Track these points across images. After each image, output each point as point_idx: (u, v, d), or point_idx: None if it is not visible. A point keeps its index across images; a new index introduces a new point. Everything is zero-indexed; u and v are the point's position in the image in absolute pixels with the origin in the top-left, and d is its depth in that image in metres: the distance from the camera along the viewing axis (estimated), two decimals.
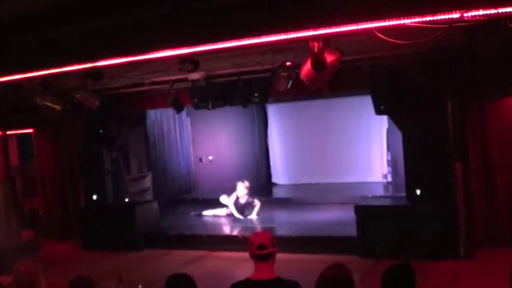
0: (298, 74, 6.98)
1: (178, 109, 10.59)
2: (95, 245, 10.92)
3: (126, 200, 12.08)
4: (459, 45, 6.61)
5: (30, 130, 12.72)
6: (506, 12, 4.65)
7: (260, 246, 3.59)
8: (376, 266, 7.97)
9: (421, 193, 8.83)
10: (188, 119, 15.16)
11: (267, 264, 3.60)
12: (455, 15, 4.70)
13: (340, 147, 14.21)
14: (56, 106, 8.71)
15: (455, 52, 7.77)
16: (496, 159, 8.90)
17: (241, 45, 5.60)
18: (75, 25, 5.93)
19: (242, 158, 14.99)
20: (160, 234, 11.03)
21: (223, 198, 11.82)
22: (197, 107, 10.35)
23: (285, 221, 11.40)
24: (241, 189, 11.41)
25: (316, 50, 5.84)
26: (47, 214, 12.56)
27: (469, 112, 8.93)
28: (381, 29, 5.18)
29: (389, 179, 13.27)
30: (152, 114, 13.53)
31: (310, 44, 5.81)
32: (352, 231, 9.08)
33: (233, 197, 11.43)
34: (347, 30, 5.08)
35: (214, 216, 11.96)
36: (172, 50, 5.80)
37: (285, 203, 13.02)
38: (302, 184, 14.79)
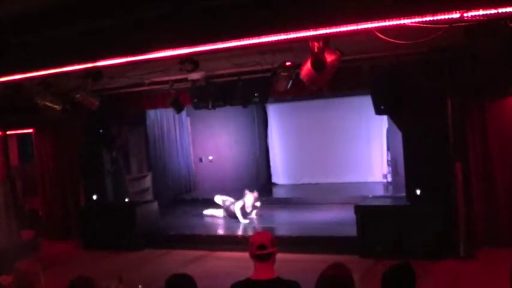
0: (298, 74, 6.98)
1: (178, 109, 10.59)
2: (95, 245, 10.92)
3: (126, 200, 12.08)
4: (459, 45, 6.61)
5: (30, 130, 12.72)
6: (506, 12, 4.65)
7: (260, 246, 3.59)
8: (376, 266, 7.98)
9: (421, 193, 8.83)
10: (188, 119, 15.17)
11: (267, 264, 3.60)
12: (455, 15, 4.70)
13: (340, 147, 14.20)
14: (56, 106, 8.71)
15: (455, 52, 7.77)
16: (496, 159, 8.91)
17: (241, 45, 5.60)
18: (75, 25, 5.93)
19: (242, 158, 15.00)
20: (160, 234, 11.03)
21: (217, 198, 11.82)
22: (197, 107, 10.34)
23: (285, 221, 11.40)
24: (250, 200, 11.38)
25: (316, 50, 5.84)
26: (47, 214, 12.57)
27: (469, 112, 8.93)
28: (381, 29, 5.19)
29: (389, 179, 13.27)
30: (152, 114, 13.54)
31: (310, 44, 5.81)
32: (352, 231, 9.08)
33: (240, 203, 11.37)
34: (347, 30, 5.08)
35: (213, 216, 11.94)
36: (172, 50, 5.80)
37: (285, 203, 13.01)
38: (302, 184, 14.79)
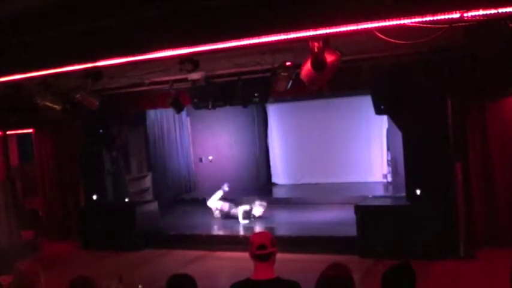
0: (298, 74, 6.98)
1: (178, 109, 10.59)
2: (95, 245, 10.92)
3: (126, 200, 12.08)
4: (459, 45, 6.62)
5: (30, 130, 12.72)
6: (506, 12, 4.65)
7: (260, 246, 3.58)
8: (376, 266, 7.98)
9: (421, 193, 8.83)
10: (188, 119, 15.17)
11: (267, 264, 3.60)
12: (455, 15, 4.69)
13: (340, 147, 14.20)
14: (56, 106, 8.71)
15: (455, 52, 7.77)
16: (496, 159, 8.90)
17: (241, 45, 5.60)
18: (75, 25, 5.93)
19: (242, 158, 15.00)
20: (160, 234, 11.03)
21: (212, 203, 11.82)
22: (197, 107, 10.34)
23: (285, 221, 11.40)
24: (258, 211, 11.38)
25: (316, 50, 5.84)
26: (47, 214, 12.57)
27: (469, 112, 8.93)
28: (381, 29, 5.18)
29: (389, 179, 13.28)
30: (152, 114, 13.54)
31: (310, 44, 5.81)
32: (352, 231, 9.08)
33: (246, 207, 11.38)
34: (347, 30, 5.08)
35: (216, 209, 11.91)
36: (172, 50, 5.80)
37: (285, 203, 13.02)
38: (302, 184, 14.79)
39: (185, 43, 5.75)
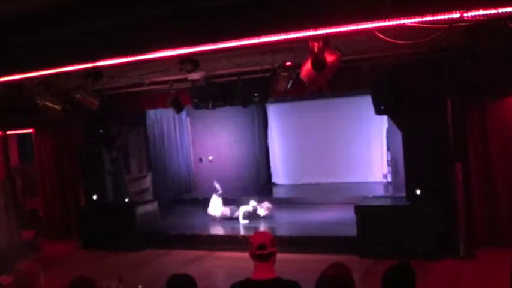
0: (298, 74, 6.98)
1: (178, 109, 10.59)
2: (95, 245, 10.92)
3: (126, 200, 12.08)
4: (459, 45, 6.61)
5: (30, 130, 12.72)
6: (506, 12, 4.65)
7: (260, 246, 3.58)
8: (376, 266, 7.98)
9: (421, 193, 8.84)
10: (188, 119, 15.17)
11: (267, 264, 3.60)
12: (455, 15, 4.70)
13: (340, 147, 14.21)
14: (56, 106, 8.71)
15: (455, 52, 7.77)
16: (496, 159, 8.90)
17: (241, 45, 5.60)
18: (75, 25, 5.93)
19: (242, 158, 15.00)
20: (160, 234, 11.03)
21: (212, 210, 11.78)
22: (197, 107, 10.35)
23: (285, 221, 11.40)
24: (262, 212, 11.40)
25: (316, 50, 5.84)
26: (47, 214, 12.57)
27: (469, 112, 8.93)
28: (381, 29, 5.18)
29: (389, 179, 13.28)
30: (152, 114, 13.54)
31: (310, 44, 5.81)
32: (352, 231, 9.08)
33: (248, 208, 11.37)
34: (347, 30, 5.08)
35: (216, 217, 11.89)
36: (172, 50, 5.80)
37: (285, 203, 13.01)
38: (302, 184, 14.79)
39: (185, 43, 5.75)
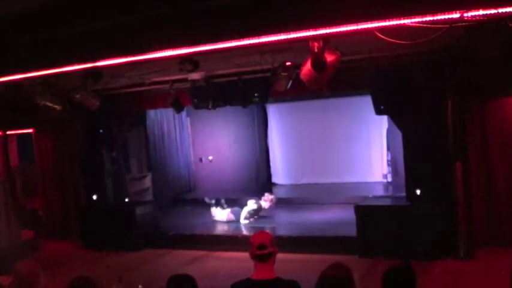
0: (298, 74, 6.98)
1: (178, 109, 10.59)
2: (95, 245, 10.91)
3: (126, 200, 12.08)
4: (459, 45, 6.61)
5: (30, 130, 12.71)
6: (506, 12, 4.65)
7: (260, 246, 3.59)
8: (376, 266, 7.97)
9: (421, 193, 8.83)
10: (188, 119, 15.17)
11: (267, 264, 3.60)
12: (455, 15, 4.70)
13: (340, 147, 14.20)
14: (56, 106, 8.70)
15: (455, 52, 7.77)
16: (496, 159, 8.90)
17: (241, 45, 5.60)
18: (75, 25, 5.93)
19: (242, 158, 14.99)
20: (160, 234, 11.03)
21: (218, 212, 11.74)
22: (197, 107, 10.35)
23: (285, 221, 11.40)
24: (266, 204, 11.39)
25: (316, 50, 5.84)
26: (47, 214, 12.56)
27: (469, 112, 8.93)
28: (381, 29, 5.19)
29: (389, 179, 13.28)
30: (152, 114, 13.54)
31: (310, 44, 5.81)
32: (352, 231, 9.08)
33: (252, 206, 11.36)
34: (347, 30, 5.09)
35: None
36: (172, 50, 5.81)
37: (285, 203, 12.99)
38: (302, 184, 14.78)
39: (185, 43, 5.75)
